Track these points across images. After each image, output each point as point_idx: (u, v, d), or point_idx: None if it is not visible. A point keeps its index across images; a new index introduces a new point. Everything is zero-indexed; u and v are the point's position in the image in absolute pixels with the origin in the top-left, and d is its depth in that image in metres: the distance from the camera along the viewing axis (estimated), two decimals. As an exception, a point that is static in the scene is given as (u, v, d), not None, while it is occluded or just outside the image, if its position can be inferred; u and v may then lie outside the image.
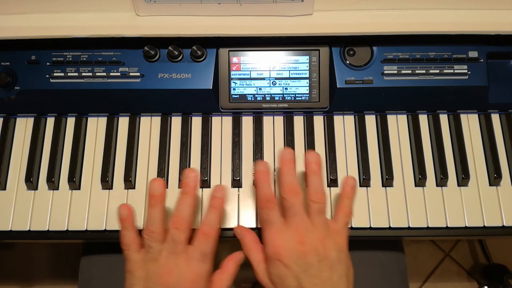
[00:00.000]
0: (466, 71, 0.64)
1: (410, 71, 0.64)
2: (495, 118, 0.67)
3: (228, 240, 0.60)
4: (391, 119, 0.67)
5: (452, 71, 0.64)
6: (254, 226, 0.61)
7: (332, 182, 0.63)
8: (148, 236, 0.51)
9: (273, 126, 0.67)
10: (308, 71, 0.65)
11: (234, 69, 0.65)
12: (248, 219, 0.62)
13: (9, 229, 0.62)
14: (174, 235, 0.51)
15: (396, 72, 0.64)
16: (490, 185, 0.64)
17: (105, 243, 0.71)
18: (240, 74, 0.66)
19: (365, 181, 0.63)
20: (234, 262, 0.56)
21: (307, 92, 0.65)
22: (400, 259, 0.72)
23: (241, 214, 0.62)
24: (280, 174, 0.53)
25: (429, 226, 0.61)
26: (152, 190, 0.52)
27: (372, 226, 0.61)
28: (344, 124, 0.67)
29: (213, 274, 0.54)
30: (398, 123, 0.67)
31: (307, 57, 0.65)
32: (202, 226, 0.52)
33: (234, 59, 0.65)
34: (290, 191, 0.52)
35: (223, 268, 0.55)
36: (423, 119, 0.67)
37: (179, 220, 0.51)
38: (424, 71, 0.64)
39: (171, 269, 0.50)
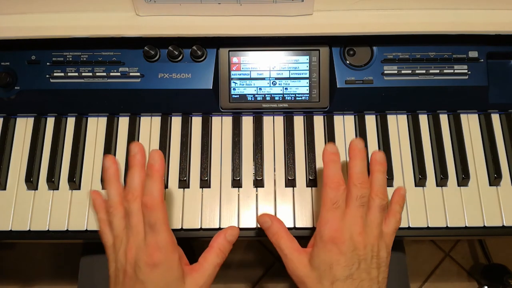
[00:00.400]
0: (466, 71, 0.64)
1: (410, 71, 0.64)
2: (495, 118, 0.67)
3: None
4: (391, 119, 0.67)
5: (452, 71, 0.64)
6: (254, 226, 0.61)
7: (332, 182, 0.63)
8: (108, 213, 0.50)
9: (273, 126, 0.67)
10: (308, 71, 0.65)
11: (234, 69, 0.65)
12: (249, 219, 0.62)
13: (9, 229, 0.62)
14: (127, 208, 0.49)
15: (396, 72, 0.64)
16: (490, 185, 0.64)
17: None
18: (240, 74, 0.66)
19: (365, 181, 0.63)
20: (223, 237, 0.52)
21: (307, 92, 0.65)
22: (401, 259, 0.72)
23: (241, 214, 0.62)
24: (351, 162, 0.51)
25: (429, 226, 0.61)
26: (104, 167, 0.52)
27: (372, 226, 0.61)
28: (344, 124, 0.67)
29: (203, 254, 0.52)
30: (398, 123, 0.67)
31: (307, 57, 0.65)
32: (143, 196, 0.48)
33: (234, 59, 0.65)
34: (363, 181, 0.50)
35: (209, 246, 0.52)
36: (423, 119, 0.67)
37: (127, 192, 0.49)
38: (424, 71, 0.64)
39: (131, 244, 0.47)
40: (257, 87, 0.66)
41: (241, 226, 0.61)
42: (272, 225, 0.53)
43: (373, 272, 0.48)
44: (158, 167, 0.49)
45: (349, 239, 0.48)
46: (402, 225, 0.61)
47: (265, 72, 0.66)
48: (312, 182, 0.63)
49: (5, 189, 0.64)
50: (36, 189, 0.64)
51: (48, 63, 0.65)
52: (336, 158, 0.52)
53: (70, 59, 0.65)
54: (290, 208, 0.62)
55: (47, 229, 0.62)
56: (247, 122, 0.67)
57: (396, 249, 0.72)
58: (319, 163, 0.64)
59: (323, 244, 0.48)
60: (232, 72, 0.65)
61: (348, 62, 0.65)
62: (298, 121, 0.67)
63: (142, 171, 0.50)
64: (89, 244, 0.72)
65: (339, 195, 0.49)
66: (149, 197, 0.47)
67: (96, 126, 0.67)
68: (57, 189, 0.64)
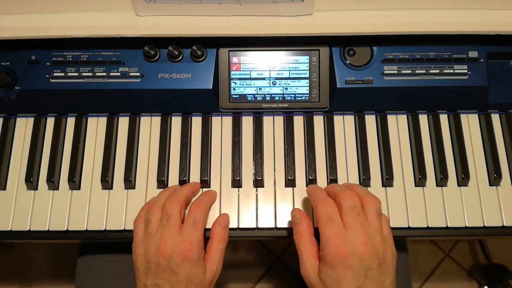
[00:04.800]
0: (466, 71, 0.64)
1: (410, 71, 0.64)
2: (495, 118, 0.67)
3: (230, 241, 0.60)
4: (391, 119, 0.67)
5: (452, 71, 0.64)
6: (254, 226, 0.61)
7: (332, 182, 0.63)
8: (147, 211, 0.56)
9: (273, 126, 0.67)
10: (308, 71, 0.65)
11: (234, 69, 0.65)
12: (249, 219, 0.62)
13: (9, 229, 0.62)
14: (167, 209, 0.55)
15: (396, 72, 0.64)
16: (490, 185, 0.64)
17: (102, 243, 0.71)
18: (240, 74, 0.66)
19: (365, 181, 0.63)
20: (218, 225, 0.58)
21: (307, 92, 0.65)
22: (403, 259, 0.72)
23: (241, 214, 0.62)
24: (330, 187, 0.55)
25: (429, 226, 0.61)
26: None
27: (372, 226, 0.61)
28: (344, 124, 0.67)
29: (207, 245, 0.57)
30: (398, 123, 0.67)
31: (307, 57, 0.65)
32: (194, 201, 0.57)
33: (234, 59, 0.65)
34: (350, 193, 0.52)
35: (211, 237, 0.58)
36: (423, 119, 0.67)
37: (173, 197, 0.56)
38: (424, 71, 0.64)
39: (166, 240, 0.53)
40: (257, 87, 0.66)
41: (241, 226, 0.61)
42: (300, 223, 0.55)
43: (381, 279, 0.49)
44: (212, 193, 0.61)
45: (354, 252, 0.48)
46: (402, 225, 0.61)
47: (265, 72, 0.66)
48: (312, 182, 0.63)
49: (5, 189, 0.64)
50: (36, 189, 0.64)
51: (48, 63, 0.65)
52: (317, 187, 0.58)
53: (70, 59, 0.65)
54: (290, 208, 0.62)
55: (47, 229, 0.62)
56: (247, 122, 0.67)
57: (399, 249, 0.72)
58: (319, 163, 0.64)
59: (329, 262, 0.48)
60: (232, 72, 0.65)
61: (348, 62, 0.65)
62: (298, 121, 0.67)
63: (192, 189, 0.60)
64: (86, 244, 0.72)
65: (330, 209, 0.51)
66: (201, 201, 0.57)
67: (96, 126, 0.67)
68: (57, 189, 0.64)
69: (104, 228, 0.61)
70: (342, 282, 0.48)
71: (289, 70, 0.65)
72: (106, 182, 0.63)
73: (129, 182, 0.63)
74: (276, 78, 0.66)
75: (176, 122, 0.67)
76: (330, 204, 0.51)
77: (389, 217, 0.61)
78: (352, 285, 0.47)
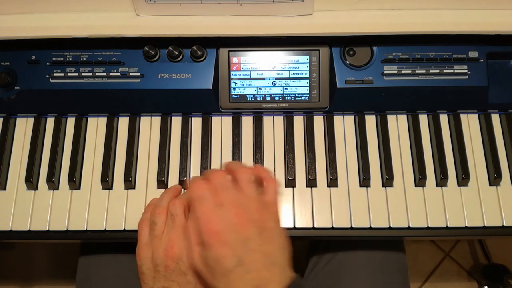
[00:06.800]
0: (466, 71, 0.64)
1: (410, 71, 0.64)
2: (495, 118, 0.67)
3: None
4: (391, 119, 0.67)
5: (452, 71, 0.64)
6: (254, 226, 0.61)
7: (332, 182, 0.63)
8: (152, 213, 0.54)
9: (273, 126, 0.67)
10: (308, 71, 0.65)
11: (234, 69, 0.65)
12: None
13: (9, 229, 0.62)
14: (171, 210, 0.52)
15: (396, 72, 0.64)
16: (490, 185, 0.64)
17: (102, 243, 0.71)
18: (240, 74, 0.66)
19: (365, 181, 0.63)
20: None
21: (307, 92, 0.65)
22: (401, 259, 0.72)
23: (241, 214, 0.62)
24: (205, 173, 0.53)
25: (429, 226, 0.61)
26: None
27: (372, 226, 0.61)
28: (344, 124, 0.67)
29: None
30: (398, 123, 0.67)
31: (307, 57, 0.65)
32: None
33: (234, 59, 0.65)
34: (218, 173, 0.51)
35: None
36: (423, 119, 0.67)
37: (176, 198, 0.54)
38: (424, 71, 0.64)
39: (173, 242, 0.50)
40: (257, 87, 0.66)
41: (241, 226, 0.61)
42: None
43: (265, 248, 0.46)
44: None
45: (227, 225, 0.46)
46: (402, 225, 0.61)
47: (265, 72, 0.66)
48: (312, 182, 0.63)
49: (5, 189, 0.64)
50: (36, 189, 0.64)
51: (48, 63, 0.65)
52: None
53: (70, 59, 0.65)
54: (290, 208, 0.62)
55: (47, 229, 0.61)
56: (247, 122, 0.67)
57: (396, 249, 0.72)
58: (319, 163, 0.64)
59: (205, 242, 0.46)
60: (232, 72, 0.65)
61: (348, 62, 0.65)
62: (298, 121, 0.67)
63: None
64: (87, 244, 0.72)
65: (200, 189, 0.49)
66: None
67: (96, 126, 0.67)
68: (57, 189, 0.64)
69: (104, 228, 0.61)
70: (221, 260, 0.44)
71: (289, 70, 0.65)
72: (106, 182, 0.63)
73: (129, 182, 0.63)
74: (276, 78, 0.66)
75: (176, 122, 0.67)
76: (200, 185, 0.49)
77: (389, 217, 0.61)
78: (232, 261, 0.44)
